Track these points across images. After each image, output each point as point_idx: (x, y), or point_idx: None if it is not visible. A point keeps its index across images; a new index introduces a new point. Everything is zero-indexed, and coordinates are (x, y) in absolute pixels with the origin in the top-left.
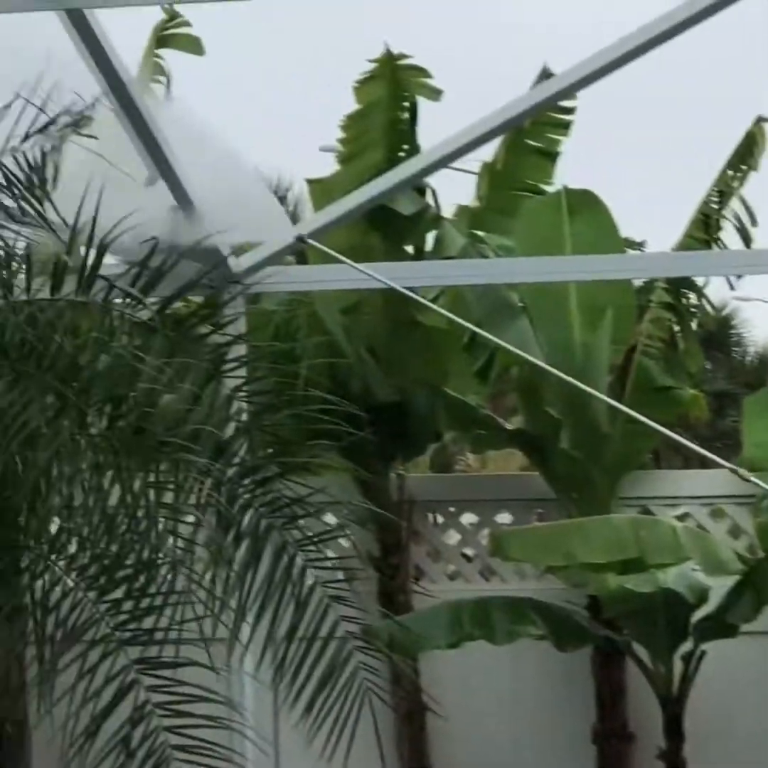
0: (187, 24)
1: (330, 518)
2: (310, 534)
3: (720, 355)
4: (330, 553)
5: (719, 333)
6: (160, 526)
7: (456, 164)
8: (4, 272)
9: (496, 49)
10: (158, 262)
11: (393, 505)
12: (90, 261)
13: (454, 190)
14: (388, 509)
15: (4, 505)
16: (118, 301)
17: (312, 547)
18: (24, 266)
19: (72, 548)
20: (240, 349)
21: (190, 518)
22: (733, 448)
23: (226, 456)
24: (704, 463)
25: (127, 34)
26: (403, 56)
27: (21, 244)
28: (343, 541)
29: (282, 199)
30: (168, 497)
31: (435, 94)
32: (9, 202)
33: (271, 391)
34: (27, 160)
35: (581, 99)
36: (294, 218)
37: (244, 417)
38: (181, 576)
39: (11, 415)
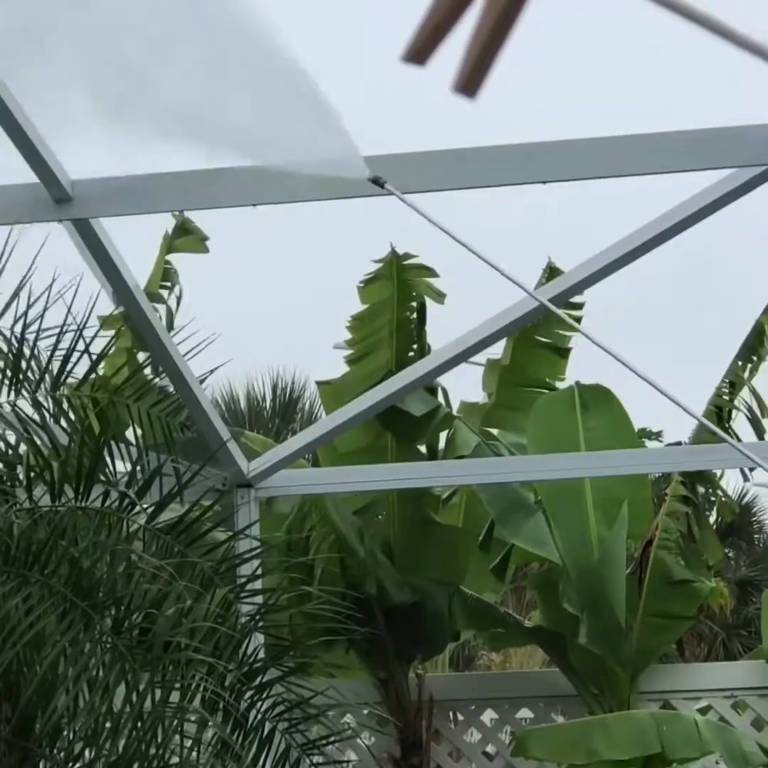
0: (195, 227)
1: (350, 719)
2: (314, 737)
3: (742, 543)
4: (351, 754)
5: (740, 521)
6: (167, 725)
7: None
8: (7, 480)
9: (500, 246)
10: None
11: (413, 705)
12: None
13: (463, 384)
14: (408, 709)
15: (17, 713)
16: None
17: (319, 750)
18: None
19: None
20: (253, 550)
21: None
22: (758, 636)
23: (230, 657)
24: (726, 655)
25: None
26: (409, 256)
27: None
28: (362, 742)
29: (298, 399)
30: (173, 697)
31: (439, 297)
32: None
33: (278, 590)
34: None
35: (589, 291)
36: (310, 418)
37: (249, 617)
38: None
39: (17, 617)
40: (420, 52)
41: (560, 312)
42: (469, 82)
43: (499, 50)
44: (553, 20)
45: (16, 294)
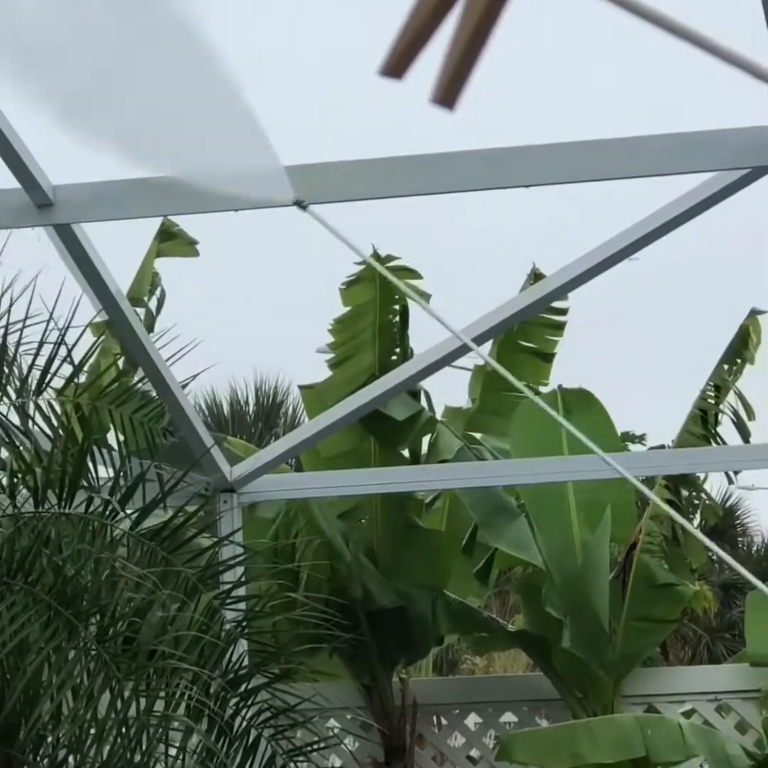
0: (180, 231)
1: (334, 724)
2: (300, 744)
3: (726, 546)
4: (336, 759)
5: (724, 523)
6: (151, 733)
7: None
8: None
9: (483, 251)
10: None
11: (396, 709)
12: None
13: (447, 389)
14: (392, 713)
15: (1, 720)
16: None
17: (305, 756)
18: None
19: (72, 761)
20: (236, 557)
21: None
22: (742, 639)
23: (214, 664)
24: (711, 658)
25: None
26: (391, 257)
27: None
28: (346, 748)
29: (281, 404)
30: (158, 705)
31: (423, 297)
32: None
33: (263, 597)
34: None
35: (573, 296)
36: (293, 423)
37: (236, 624)
38: None
39: (0, 626)
40: (396, 66)
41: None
42: (447, 94)
43: (475, 62)
44: (531, 25)
45: None
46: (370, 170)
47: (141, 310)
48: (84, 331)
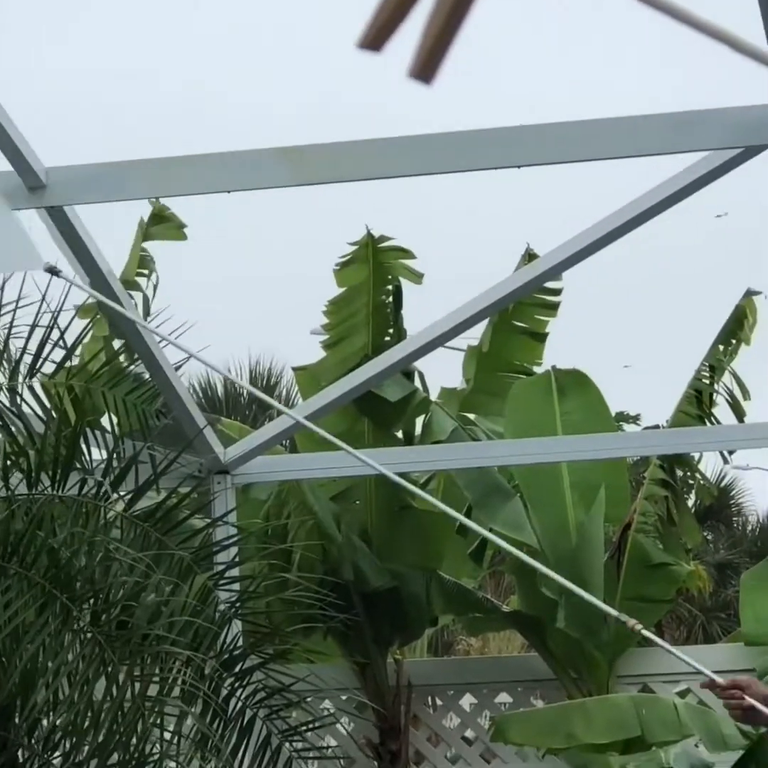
0: (171, 214)
1: (328, 705)
2: (295, 724)
3: (721, 526)
4: (330, 740)
5: (719, 503)
6: (147, 717)
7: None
8: None
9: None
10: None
11: (391, 690)
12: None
13: (441, 369)
14: (386, 694)
15: None
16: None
17: (300, 736)
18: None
19: (67, 744)
20: (229, 538)
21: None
22: (736, 619)
23: (209, 646)
24: (706, 637)
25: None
26: (385, 238)
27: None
28: (341, 728)
29: (275, 386)
30: (153, 689)
31: (416, 277)
32: None
33: (257, 577)
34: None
35: (567, 277)
36: (287, 404)
37: (229, 605)
38: (168, 766)
39: None
40: (376, 38)
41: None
42: (425, 67)
43: (455, 35)
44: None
45: None
46: (361, 151)
47: (135, 294)
48: (77, 313)
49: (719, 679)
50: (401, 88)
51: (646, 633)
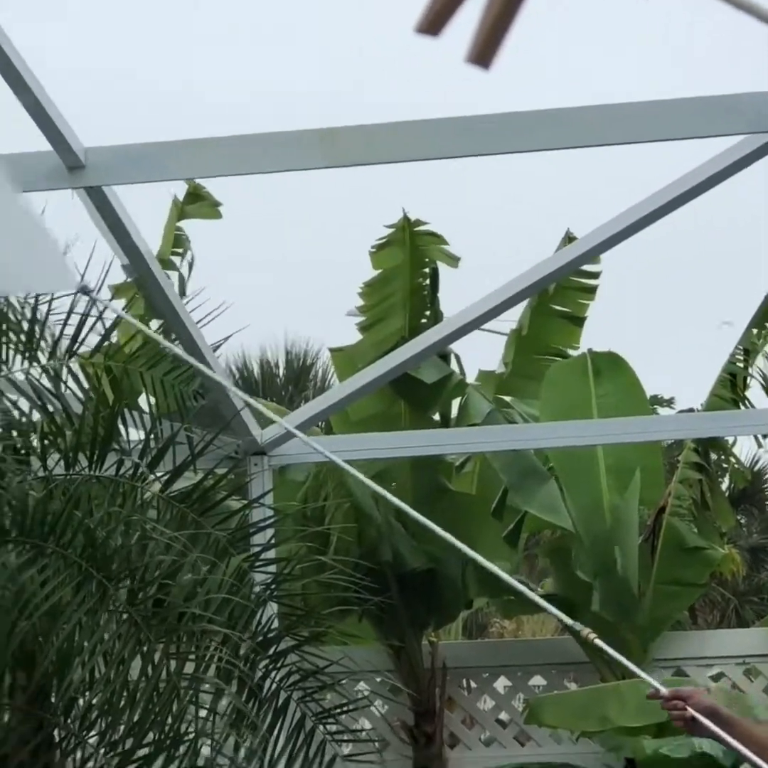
0: (207, 193)
1: (363, 687)
2: (329, 707)
3: (754, 509)
4: (365, 722)
5: (753, 487)
6: (182, 695)
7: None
8: (22, 448)
9: (516, 217)
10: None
11: (426, 673)
12: None
13: (479, 353)
14: (421, 676)
15: (34, 683)
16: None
17: (334, 718)
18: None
19: (103, 723)
20: (266, 519)
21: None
22: None
23: (244, 626)
24: (739, 622)
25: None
26: (420, 222)
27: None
28: (375, 711)
29: (311, 367)
30: (189, 667)
31: (453, 260)
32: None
33: (292, 560)
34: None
35: (605, 258)
36: (323, 385)
37: (264, 587)
38: (204, 744)
39: (32, 589)
40: (434, 22)
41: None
42: (483, 52)
43: (512, 20)
44: None
45: None
46: (396, 133)
47: (171, 273)
48: (114, 294)
49: (663, 690)
50: (437, 71)
51: (599, 642)
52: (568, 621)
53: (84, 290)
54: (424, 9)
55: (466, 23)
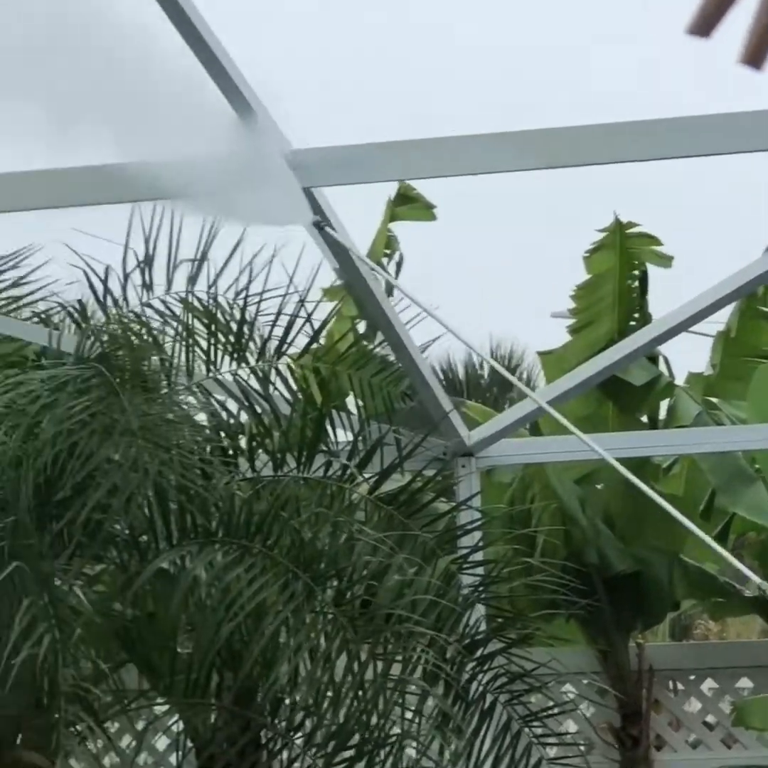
0: (418, 195)
1: (569, 689)
2: (536, 710)
3: None
4: (571, 725)
5: None
6: (387, 696)
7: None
8: (230, 450)
9: (723, 214)
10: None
11: (632, 675)
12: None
13: (687, 356)
14: (628, 679)
15: (239, 683)
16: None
17: (540, 721)
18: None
19: (308, 725)
20: (474, 522)
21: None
22: None
23: (451, 629)
24: None
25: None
26: (632, 224)
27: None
28: (581, 713)
29: (516, 368)
30: (394, 668)
31: (665, 260)
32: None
33: (500, 562)
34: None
35: None
36: (528, 387)
37: (472, 589)
38: (409, 747)
39: (238, 588)
40: (704, 24)
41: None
42: (756, 53)
43: None
44: None
45: (225, 261)
46: (607, 134)
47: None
48: (324, 296)
49: None
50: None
51: None
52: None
53: (318, 224)
54: (696, 9)
55: (735, 23)
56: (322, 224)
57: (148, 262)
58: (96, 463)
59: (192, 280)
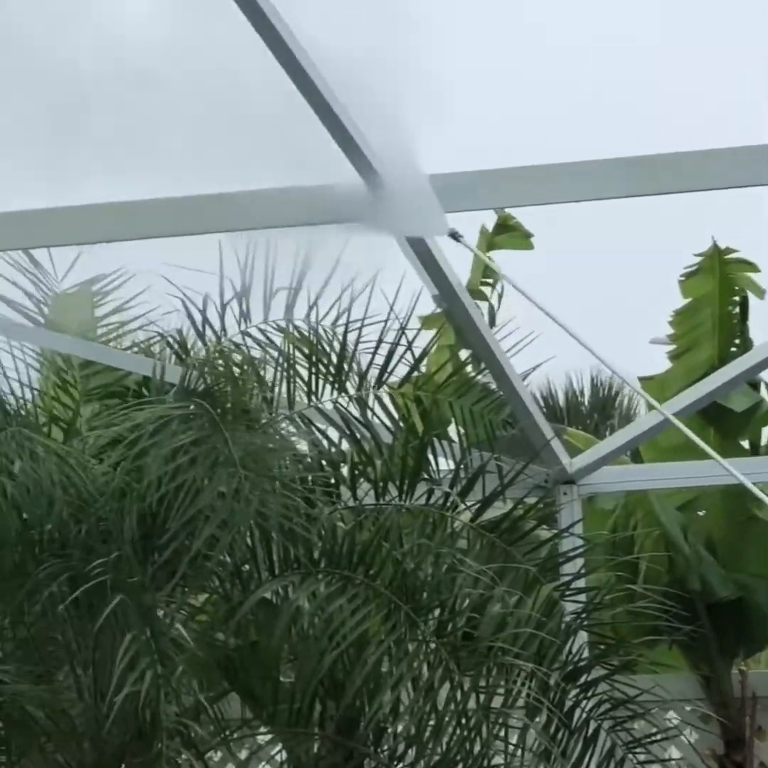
0: (517, 223)
1: (673, 716)
2: (640, 736)
3: None
4: (674, 751)
5: None
6: (490, 728)
7: None
8: (331, 479)
9: None
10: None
11: (735, 701)
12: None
13: None
14: (731, 705)
15: (342, 712)
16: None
17: (644, 748)
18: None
19: (410, 755)
20: (576, 549)
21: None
22: None
23: (552, 658)
24: None
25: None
26: (730, 250)
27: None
28: (685, 739)
29: (616, 395)
30: (496, 700)
31: (760, 292)
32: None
33: (603, 589)
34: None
35: None
36: (629, 414)
37: (575, 616)
38: None
39: (340, 619)
40: None
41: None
42: None
43: None
44: None
45: (313, 289)
46: (706, 160)
47: (480, 303)
48: (422, 324)
49: None
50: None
51: None
52: None
53: (454, 235)
54: None
55: None
56: (458, 235)
57: (245, 291)
58: (208, 499)
59: (289, 308)
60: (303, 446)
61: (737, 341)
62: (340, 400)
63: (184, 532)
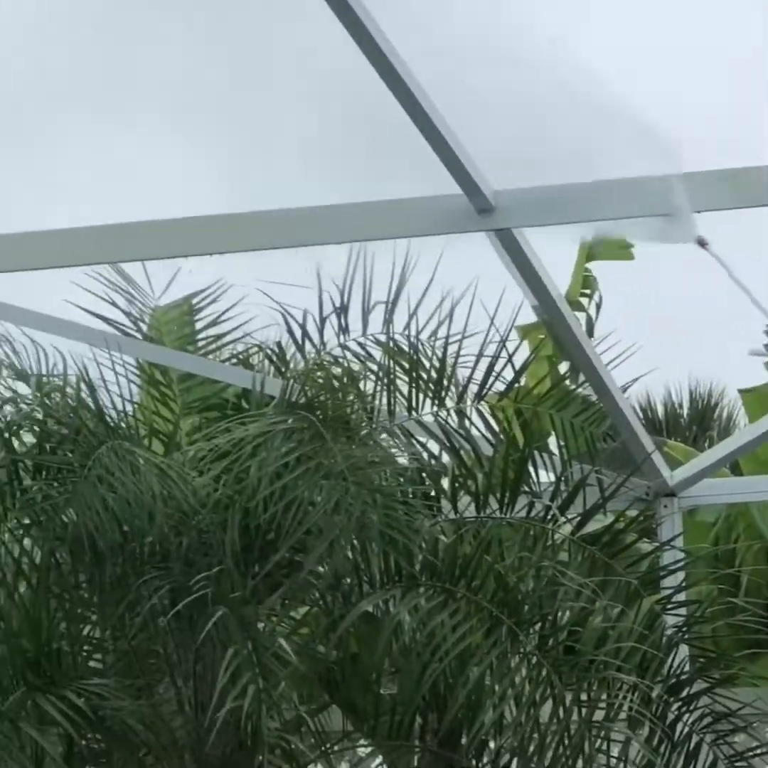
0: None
1: None
2: (742, 750)
3: None
4: None
5: None
6: (592, 741)
7: None
8: (432, 491)
9: None
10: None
11: None
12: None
13: None
14: None
15: (444, 725)
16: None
17: (746, 761)
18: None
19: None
20: (677, 562)
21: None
22: None
23: (655, 671)
24: None
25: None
26: None
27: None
28: None
29: (715, 407)
30: (598, 713)
31: None
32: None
33: (704, 602)
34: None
35: None
36: (728, 426)
37: (676, 629)
38: None
39: (442, 634)
40: None
41: None
42: None
43: None
44: None
45: (418, 301)
46: None
47: (579, 315)
48: (523, 338)
49: None
50: None
51: None
52: None
53: (701, 242)
54: None
55: None
56: (703, 242)
57: (343, 305)
58: (319, 514)
59: (388, 321)
60: (403, 459)
61: None
62: (440, 412)
63: (285, 543)
